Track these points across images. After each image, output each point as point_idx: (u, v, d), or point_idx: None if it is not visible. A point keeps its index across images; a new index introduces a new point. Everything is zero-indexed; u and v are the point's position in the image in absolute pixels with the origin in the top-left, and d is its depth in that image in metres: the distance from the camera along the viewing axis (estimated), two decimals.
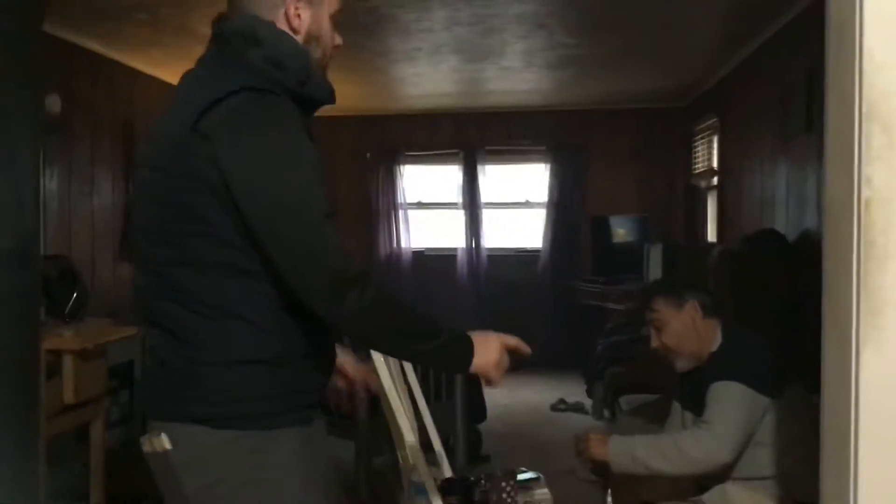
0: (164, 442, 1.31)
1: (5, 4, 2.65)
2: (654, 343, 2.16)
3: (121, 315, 4.52)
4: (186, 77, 1.42)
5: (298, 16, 1.38)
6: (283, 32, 1.37)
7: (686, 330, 2.10)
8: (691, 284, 2.20)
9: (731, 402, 1.93)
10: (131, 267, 1.46)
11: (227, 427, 1.30)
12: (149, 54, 4.72)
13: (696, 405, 2.06)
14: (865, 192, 1.23)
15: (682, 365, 2.14)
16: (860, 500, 1.19)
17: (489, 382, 1.46)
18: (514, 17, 3.97)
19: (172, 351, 1.33)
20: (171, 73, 5.28)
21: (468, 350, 1.41)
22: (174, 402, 1.33)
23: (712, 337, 2.11)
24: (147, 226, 1.35)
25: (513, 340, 1.48)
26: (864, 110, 1.23)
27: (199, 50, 4.92)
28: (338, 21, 1.44)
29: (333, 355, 1.48)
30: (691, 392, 2.12)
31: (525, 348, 1.50)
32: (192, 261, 1.29)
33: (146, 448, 1.36)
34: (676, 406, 2.25)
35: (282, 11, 1.37)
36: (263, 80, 1.31)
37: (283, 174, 1.27)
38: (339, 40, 1.46)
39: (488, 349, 1.43)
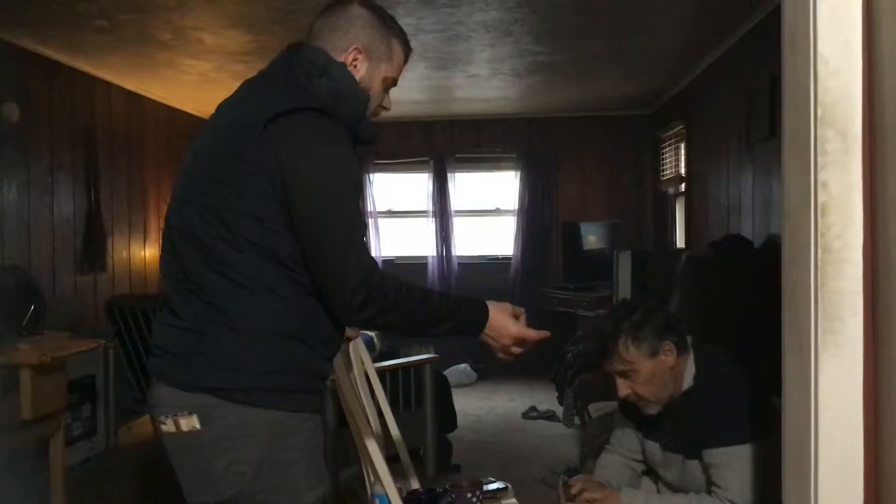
0: (195, 422, 1.40)
1: None
2: (624, 392, 1.93)
3: (82, 328, 4.44)
4: (252, 83, 1.58)
5: (355, 66, 1.56)
6: (351, 74, 1.55)
7: (663, 377, 1.91)
8: (656, 317, 1.93)
9: (742, 465, 1.81)
10: (163, 238, 1.57)
11: (258, 405, 1.41)
12: (108, 61, 4.65)
13: (682, 447, 1.94)
14: (822, 197, 1.24)
15: (654, 410, 1.96)
16: (820, 501, 1.20)
17: (502, 352, 1.60)
18: (479, 24, 3.98)
19: (212, 321, 1.43)
20: (130, 81, 5.21)
21: (482, 321, 1.56)
22: (208, 371, 1.41)
23: (686, 371, 1.94)
24: (197, 200, 1.47)
25: (524, 332, 1.60)
26: (819, 115, 1.24)
27: (160, 57, 4.88)
28: (389, 86, 1.63)
29: (339, 348, 1.63)
30: (661, 426, 1.99)
31: (534, 336, 1.62)
32: (237, 238, 1.42)
33: (167, 428, 1.42)
34: (625, 422, 2.12)
35: (344, 56, 1.56)
36: (326, 107, 1.48)
37: (332, 183, 1.43)
38: (388, 103, 1.65)
39: (503, 322, 1.58)
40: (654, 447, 2.04)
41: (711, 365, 1.93)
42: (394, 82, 1.63)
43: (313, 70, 1.51)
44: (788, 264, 1.32)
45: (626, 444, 2.14)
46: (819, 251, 1.23)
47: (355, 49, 1.56)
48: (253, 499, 1.44)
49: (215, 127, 1.54)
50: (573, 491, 2.00)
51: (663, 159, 6.31)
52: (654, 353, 1.90)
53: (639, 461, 2.14)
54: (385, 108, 1.65)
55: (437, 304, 1.50)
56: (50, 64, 4.49)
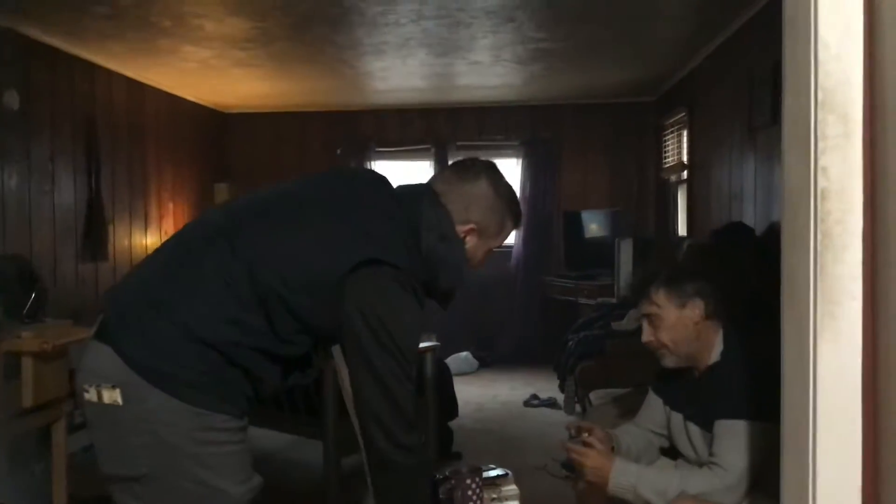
0: (117, 396, 1.43)
1: None
2: (647, 337, 2.03)
3: (83, 316, 4.45)
4: (383, 191, 1.66)
5: (466, 239, 1.65)
6: (465, 253, 1.64)
7: (685, 330, 1.98)
8: (698, 281, 2.01)
9: (742, 441, 1.83)
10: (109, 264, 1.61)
11: (181, 398, 1.42)
12: (109, 49, 4.64)
13: (700, 418, 1.99)
14: (822, 183, 1.24)
15: (670, 362, 2.03)
16: (819, 486, 1.21)
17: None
18: (481, 10, 3.96)
19: (175, 310, 1.45)
20: (132, 68, 5.21)
21: None
22: (143, 349, 1.43)
23: (712, 341, 1.99)
24: (259, 237, 1.52)
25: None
26: (819, 99, 1.24)
27: (161, 44, 4.86)
28: (488, 255, 1.72)
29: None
30: (687, 398, 2.04)
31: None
32: (258, 298, 1.48)
33: (89, 397, 1.46)
34: (655, 400, 2.18)
35: (460, 228, 1.63)
36: (417, 264, 1.55)
37: (400, 340, 1.49)
38: (481, 265, 1.72)
39: None
40: (678, 418, 2.08)
41: (738, 342, 1.98)
42: (495, 249, 1.73)
43: (433, 230, 1.58)
44: (788, 249, 1.32)
45: (652, 417, 2.18)
46: (819, 236, 1.23)
47: (472, 227, 1.64)
48: (169, 482, 1.45)
49: (321, 188, 1.64)
50: (582, 426, 2.11)
51: (665, 147, 6.29)
52: (681, 305, 1.98)
53: (661, 435, 2.17)
54: (474, 267, 1.72)
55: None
56: (51, 51, 4.49)
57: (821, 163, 1.23)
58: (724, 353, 1.98)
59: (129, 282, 1.59)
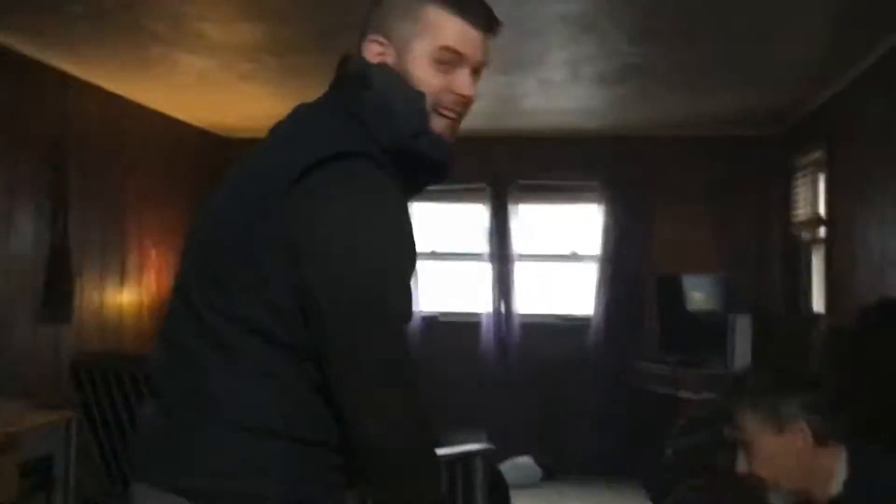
0: None
1: None
2: (741, 468, 2.01)
3: (39, 394, 4.52)
4: (298, 114, 1.60)
5: (388, 64, 1.55)
6: (397, 74, 1.53)
7: (786, 461, 1.94)
8: (797, 391, 1.96)
9: None
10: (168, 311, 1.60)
11: None
12: (86, 56, 4.80)
13: None
14: None
15: (777, 500, 1.99)
16: None
17: None
18: (556, 16, 4.01)
19: (199, 405, 1.46)
20: (113, 81, 5.37)
21: None
22: (185, 467, 1.44)
23: (830, 470, 1.94)
24: (202, 266, 1.51)
25: None
26: None
27: (151, 52, 5.02)
28: (449, 61, 1.54)
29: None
30: None
31: None
32: (240, 318, 1.44)
33: None
34: None
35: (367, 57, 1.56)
36: (367, 136, 1.49)
37: (358, 261, 1.41)
38: (464, 88, 1.56)
39: None
40: None
41: (873, 472, 1.93)
42: (456, 54, 1.54)
43: (356, 86, 1.54)
44: None
45: None
46: None
47: (371, 41, 1.56)
48: None
49: (241, 175, 1.56)
50: None
51: (795, 195, 6.25)
52: (778, 429, 1.94)
53: None
54: (455, 108, 1.58)
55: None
56: (14, 58, 4.66)
57: None
58: (848, 483, 1.92)
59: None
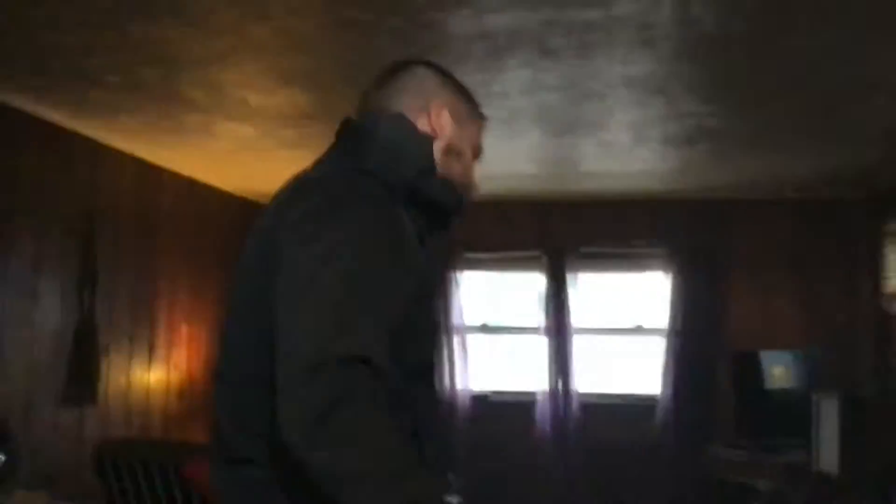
0: None
1: None
2: None
3: (61, 484, 4.57)
4: (296, 178, 1.75)
5: (441, 125, 1.75)
6: (405, 118, 1.72)
7: None
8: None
9: None
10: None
11: None
12: (120, 125, 4.96)
13: None
14: None
15: None
16: None
17: None
18: (620, 78, 4.07)
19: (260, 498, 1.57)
20: (146, 148, 5.53)
21: None
22: None
23: None
24: (235, 345, 1.66)
25: None
26: None
27: (187, 119, 5.16)
28: (477, 156, 1.87)
29: None
30: None
31: None
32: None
33: None
34: None
35: (424, 117, 1.75)
36: (372, 169, 1.65)
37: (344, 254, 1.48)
38: (473, 179, 1.83)
39: None
40: None
41: None
42: (481, 151, 1.86)
43: (365, 129, 1.72)
44: None
45: None
46: None
47: (437, 104, 1.76)
48: None
49: (247, 248, 1.71)
50: None
51: (886, 263, 6.20)
52: None
53: None
54: (472, 188, 1.84)
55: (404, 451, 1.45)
56: (47, 128, 4.84)
57: None
58: None
59: None
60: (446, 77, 1.81)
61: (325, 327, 1.39)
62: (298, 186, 1.65)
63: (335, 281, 1.43)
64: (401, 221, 1.59)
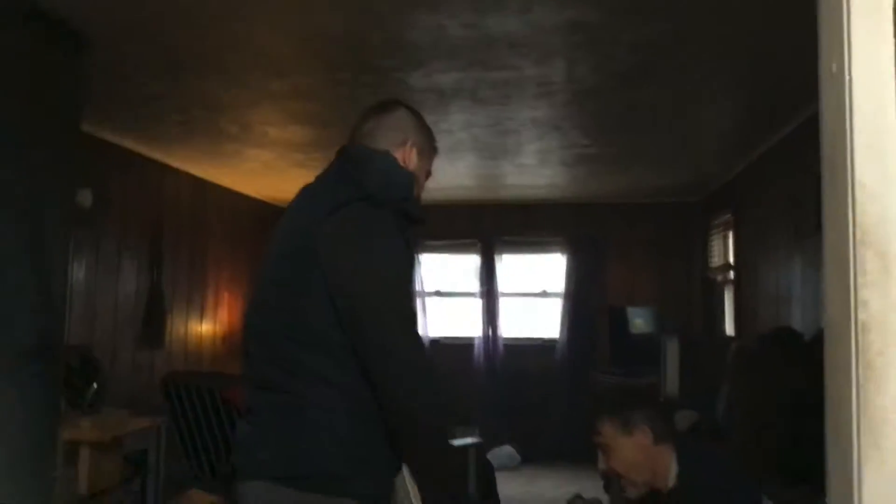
0: None
1: (49, 107, 2.83)
2: (601, 466, 2.05)
3: (138, 404, 4.56)
4: (309, 188, 1.73)
5: (410, 158, 1.73)
6: (391, 156, 1.69)
7: (635, 457, 1.94)
8: (641, 405, 2.00)
9: None
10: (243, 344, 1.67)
11: (309, 489, 1.49)
12: (179, 152, 4.94)
13: None
14: (861, 315, 1.27)
15: (632, 493, 1.98)
16: None
17: None
18: (528, 119, 4.11)
19: (281, 410, 1.54)
20: (198, 168, 5.48)
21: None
22: (272, 460, 1.52)
23: (666, 464, 1.94)
24: (264, 302, 1.61)
25: None
26: (858, 236, 1.28)
27: (227, 147, 5.10)
28: (427, 177, 1.83)
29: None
30: None
31: None
32: (297, 337, 1.52)
33: None
34: None
35: (401, 151, 1.72)
36: (379, 192, 1.62)
37: (386, 274, 1.53)
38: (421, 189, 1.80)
39: None
40: None
41: (694, 465, 1.93)
42: (430, 174, 1.84)
43: (362, 160, 1.66)
44: (830, 378, 1.34)
45: None
46: (860, 367, 1.25)
47: (412, 144, 1.73)
48: None
49: (281, 235, 1.66)
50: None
51: (711, 247, 6.27)
52: (628, 433, 1.96)
53: None
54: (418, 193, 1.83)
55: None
56: (125, 153, 4.78)
57: (860, 296, 1.27)
58: (679, 475, 1.93)
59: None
60: (418, 118, 1.78)
61: (409, 328, 1.56)
62: (329, 203, 1.59)
63: (395, 284, 1.55)
64: (401, 235, 1.62)
